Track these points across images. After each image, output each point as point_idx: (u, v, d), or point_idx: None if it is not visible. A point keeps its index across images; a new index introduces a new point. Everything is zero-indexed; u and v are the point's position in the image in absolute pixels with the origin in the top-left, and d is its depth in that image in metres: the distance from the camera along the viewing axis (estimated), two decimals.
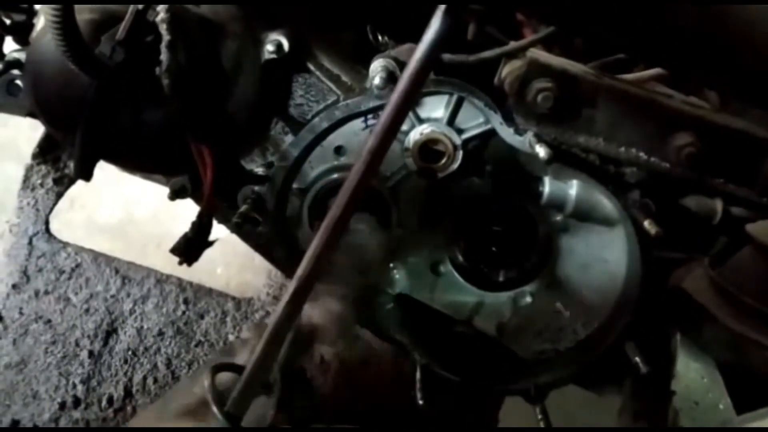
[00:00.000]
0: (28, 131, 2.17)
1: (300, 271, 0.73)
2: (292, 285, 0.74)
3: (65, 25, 0.84)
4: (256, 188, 1.26)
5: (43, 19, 1.16)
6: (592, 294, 1.32)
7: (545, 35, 1.19)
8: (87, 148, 1.00)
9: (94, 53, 0.94)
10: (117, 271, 2.00)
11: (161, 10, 0.97)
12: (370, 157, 0.66)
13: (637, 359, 1.22)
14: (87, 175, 1.02)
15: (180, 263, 1.24)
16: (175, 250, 1.20)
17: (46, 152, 1.94)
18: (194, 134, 1.09)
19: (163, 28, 0.98)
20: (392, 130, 0.66)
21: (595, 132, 1.16)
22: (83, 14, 0.97)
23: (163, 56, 1.00)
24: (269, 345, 0.74)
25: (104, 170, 1.13)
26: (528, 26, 1.37)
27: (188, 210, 1.26)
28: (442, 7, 0.60)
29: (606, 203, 1.23)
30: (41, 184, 1.96)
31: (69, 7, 0.83)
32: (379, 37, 1.32)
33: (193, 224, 1.18)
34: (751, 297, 1.05)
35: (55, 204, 1.98)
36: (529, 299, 1.35)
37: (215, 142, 1.12)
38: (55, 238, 2.00)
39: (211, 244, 1.24)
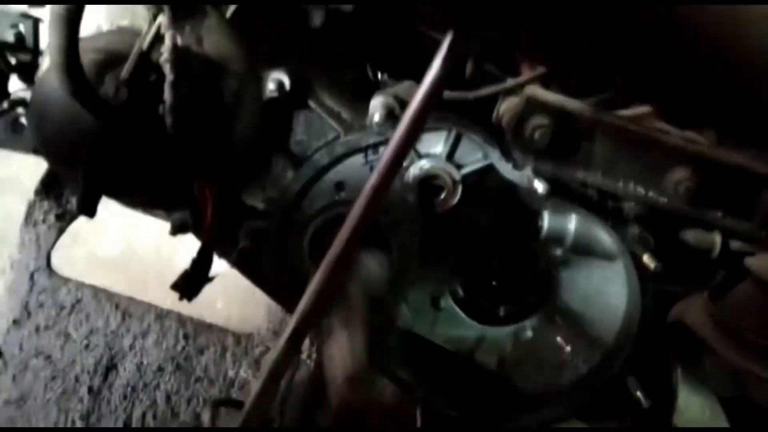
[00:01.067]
0: (31, 167, 2.18)
1: (301, 307, 0.73)
2: (292, 321, 0.74)
3: (70, 65, 0.85)
4: (257, 223, 1.26)
5: (48, 59, 1.18)
6: (593, 328, 1.32)
7: (542, 72, 1.21)
8: (90, 185, 1.01)
9: (97, 93, 0.95)
10: (117, 307, 1.99)
11: (165, 50, 0.99)
12: (372, 194, 0.66)
13: (639, 393, 1.22)
14: (91, 212, 1.03)
15: (180, 299, 1.24)
16: (175, 286, 1.20)
17: (49, 188, 1.95)
18: (196, 171, 1.10)
19: (166, 68, 1.00)
20: (395, 166, 0.67)
21: (593, 167, 1.17)
22: (88, 55, 0.99)
23: (167, 95, 1.02)
24: (269, 380, 0.74)
25: (106, 205, 1.14)
26: (525, 63, 1.39)
27: (190, 244, 1.27)
28: (444, 46, 0.61)
29: (605, 237, 1.24)
30: (43, 220, 1.97)
31: (74, 47, 0.84)
32: (379, 75, 1.34)
33: (194, 260, 1.19)
34: (751, 331, 1.06)
35: (56, 239, 1.99)
36: (530, 334, 1.35)
37: (217, 178, 1.13)
38: (56, 273, 2.00)
39: (211, 279, 1.24)
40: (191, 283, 1.18)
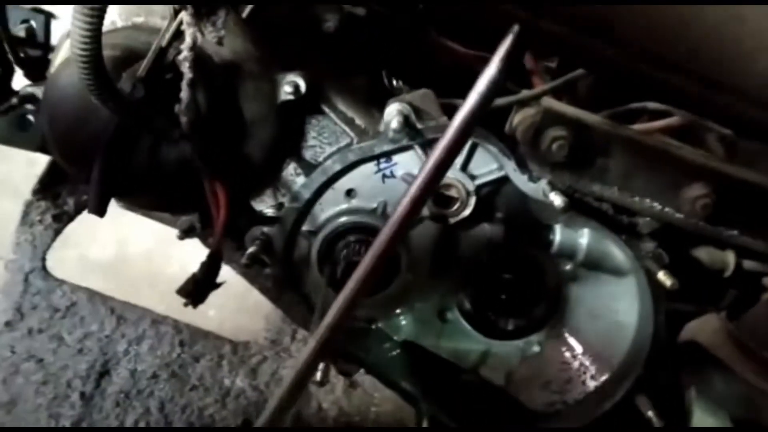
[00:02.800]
0: (25, 168, 2.14)
1: (327, 319, 0.71)
2: (317, 334, 0.72)
3: (93, 59, 0.83)
4: (265, 229, 1.24)
5: (61, 55, 1.16)
6: (602, 345, 1.30)
7: (557, 84, 1.20)
8: (104, 184, 0.98)
9: (117, 89, 0.93)
10: (112, 311, 1.95)
11: (184, 48, 0.97)
12: (411, 206, 0.64)
13: (651, 413, 1.20)
14: (101, 211, 1.00)
15: (185, 305, 1.21)
16: (182, 291, 1.17)
17: (47, 188, 1.91)
18: (210, 172, 1.08)
19: (184, 66, 0.98)
20: (436, 178, 0.65)
21: (609, 181, 1.17)
22: (105, 50, 0.97)
23: (183, 94, 1.00)
24: (292, 392, 0.72)
25: None
26: (537, 75, 1.39)
27: (181, 250, 1.24)
28: (498, 56, 0.58)
29: (617, 253, 1.23)
30: (40, 221, 1.93)
31: (98, 41, 0.82)
32: (394, 82, 1.32)
33: (203, 264, 1.16)
34: None
35: (53, 240, 1.95)
36: (537, 349, 1.33)
37: (230, 181, 1.10)
38: (51, 275, 1.96)
39: (218, 285, 1.21)
40: (199, 288, 1.15)
